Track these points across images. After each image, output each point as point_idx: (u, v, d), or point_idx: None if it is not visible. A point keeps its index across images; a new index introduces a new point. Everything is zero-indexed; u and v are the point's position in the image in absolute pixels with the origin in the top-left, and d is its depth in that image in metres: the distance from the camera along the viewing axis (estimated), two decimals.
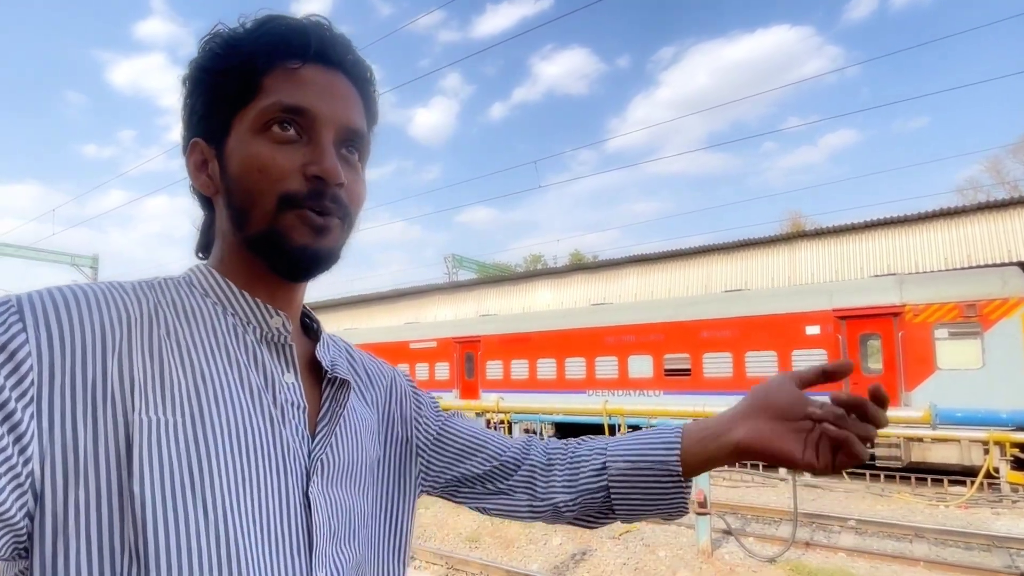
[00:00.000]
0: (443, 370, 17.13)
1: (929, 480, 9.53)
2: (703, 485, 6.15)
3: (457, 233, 78.51)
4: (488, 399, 12.76)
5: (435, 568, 6.19)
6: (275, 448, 0.56)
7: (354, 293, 27.28)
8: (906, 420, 6.24)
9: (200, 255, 0.69)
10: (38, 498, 0.46)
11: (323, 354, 0.67)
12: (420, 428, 0.79)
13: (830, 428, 0.63)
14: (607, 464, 0.73)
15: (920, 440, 9.53)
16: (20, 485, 0.45)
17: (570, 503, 0.75)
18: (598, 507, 0.75)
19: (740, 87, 62.91)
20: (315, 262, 0.61)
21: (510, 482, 0.79)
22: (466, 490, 0.80)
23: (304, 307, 0.71)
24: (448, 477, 0.79)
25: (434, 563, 6.27)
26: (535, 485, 0.77)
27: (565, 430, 14.27)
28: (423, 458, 0.78)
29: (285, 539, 0.55)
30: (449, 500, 0.82)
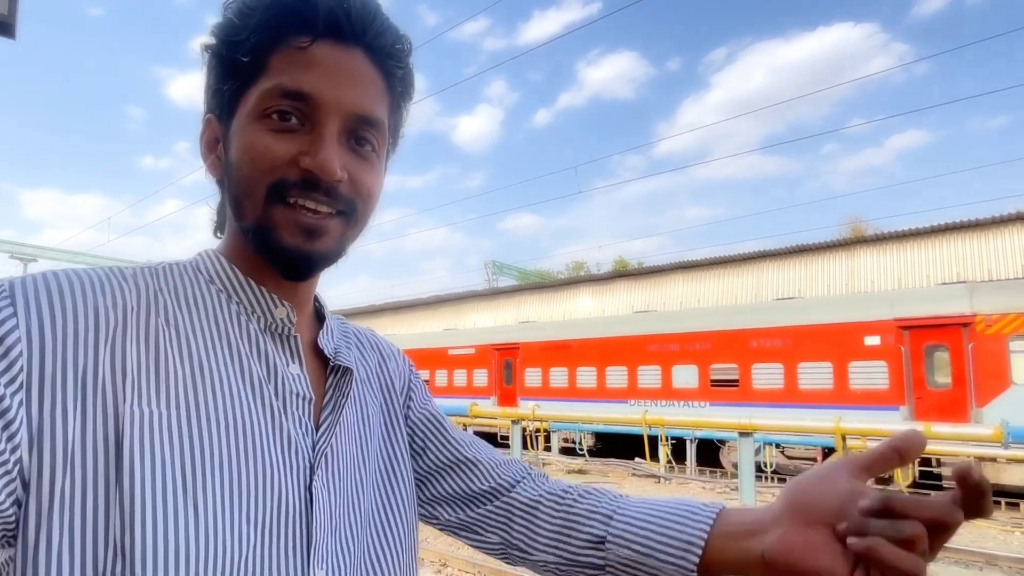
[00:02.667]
0: (481, 377, 17.11)
1: (1003, 504, 8.87)
2: (747, 500, 5.82)
3: (501, 240, 78.89)
4: (526, 407, 12.63)
5: None
6: (275, 443, 0.54)
7: (396, 299, 27.72)
8: (975, 438, 5.73)
9: (218, 235, 0.66)
10: (27, 487, 0.44)
11: (325, 341, 0.65)
12: (410, 419, 0.75)
13: (857, 545, 0.45)
14: (609, 539, 0.62)
15: (994, 460, 8.88)
16: (8, 472, 0.43)
17: (555, 568, 0.65)
18: None
19: (799, 88, 60.98)
20: (308, 264, 0.57)
21: (483, 511, 0.71)
22: (441, 510, 0.73)
23: (316, 294, 0.68)
24: (429, 494, 0.73)
25: (467, 571, 6.17)
26: (511, 527, 0.69)
27: (606, 440, 13.98)
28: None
29: (282, 537, 0.52)
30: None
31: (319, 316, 0.70)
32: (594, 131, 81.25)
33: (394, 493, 0.68)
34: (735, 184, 71.22)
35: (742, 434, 6.08)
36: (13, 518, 0.44)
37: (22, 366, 0.45)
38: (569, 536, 0.64)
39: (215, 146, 0.60)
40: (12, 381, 0.44)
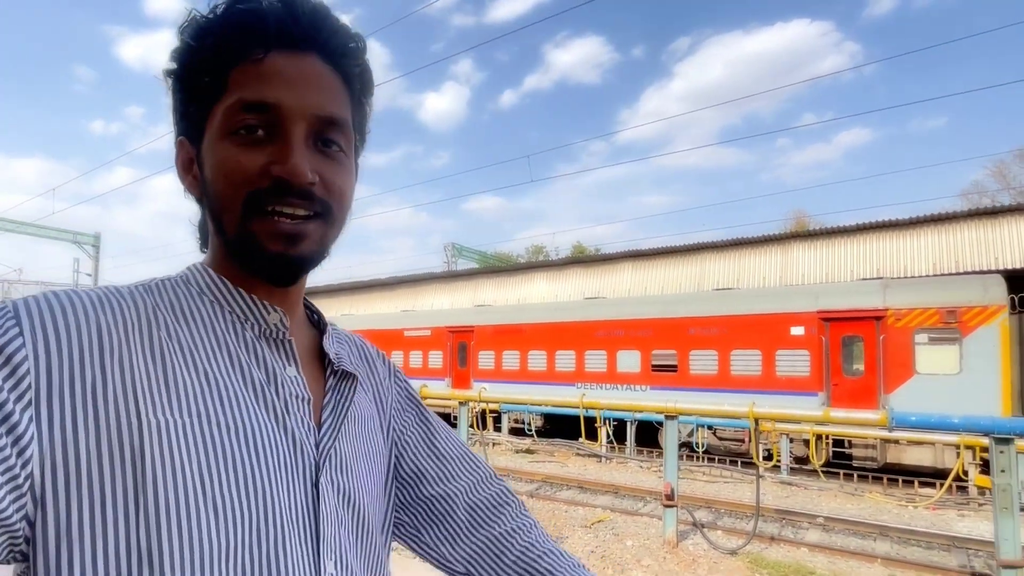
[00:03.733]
0: (436, 359, 17.32)
1: (900, 481, 9.73)
2: (670, 478, 6.34)
3: (464, 221, 78.72)
4: (476, 389, 12.98)
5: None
6: (282, 442, 0.56)
7: (353, 279, 27.48)
8: (865, 423, 6.40)
9: (203, 250, 0.67)
10: (37, 503, 0.45)
11: (329, 346, 0.67)
12: (402, 427, 0.79)
13: None
14: None
15: (896, 442, 9.70)
16: (18, 487, 0.44)
17: None
18: None
19: (756, 81, 62.40)
20: (292, 269, 0.60)
21: (458, 540, 0.75)
22: (420, 518, 0.75)
23: (304, 299, 0.71)
24: (423, 494, 0.75)
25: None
26: (477, 565, 0.74)
27: (554, 421, 14.50)
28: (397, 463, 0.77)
29: (293, 532, 0.55)
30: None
31: (311, 322, 0.72)
32: (559, 115, 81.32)
33: (380, 491, 0.70)
34: (695, 173, 72.58)
35: (668, 417, 6.56)
36: (20, 534, 0.45)
37: (30, 383, 0.45)
38: None
39: (191, 167, 0.61)
40: (21, 397, 0.45)
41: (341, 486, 0.61)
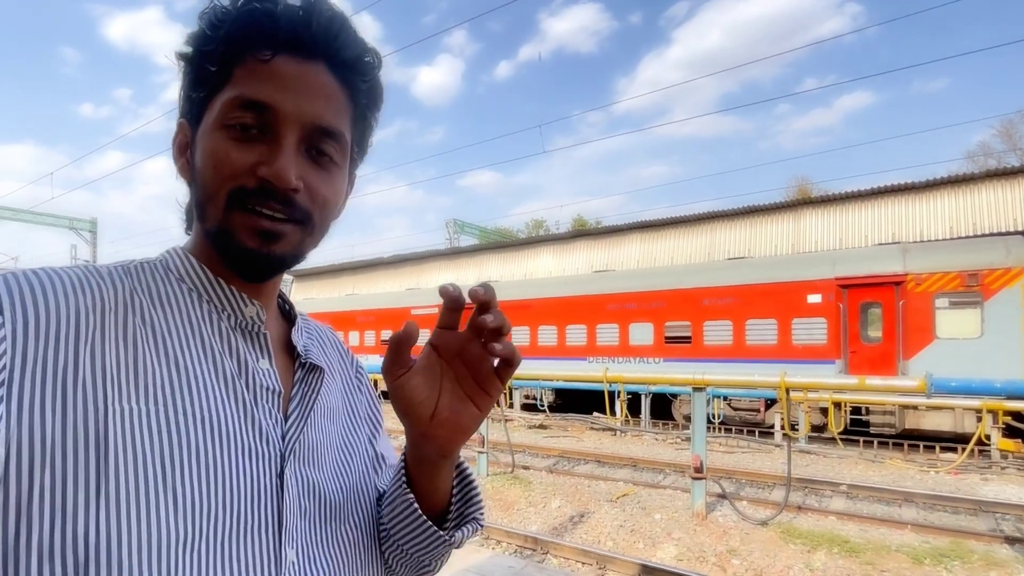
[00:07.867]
0: None
1: (921, 447, 9.78)
2: (699, 450, 6.29)
3: (460, 197, 78.14)
4: None
5: None
6: (248, 433, 0.57)
7: (356, 259, 27.30)
8: (903, 389, 6.35)
9: (189, 232, 0.68)
10: (1, 480, 0.45)
11: (297, 339, 0.68)
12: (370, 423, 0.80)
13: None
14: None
15: (915, 408, 9.71)
16: None
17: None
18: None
19: (755, 46, 61.10)
20: (265, 267, 0.60)
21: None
22: None
23: (280, 292, 0.72)
24: None
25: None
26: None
27: (565, 396, 14.52)
28: None
29: (254, 521, 0.55)
30: None
31: (283, 312, 0.73)
32: (556, 85, 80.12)
33: (356, 481, 0.70)
34: (692, 141, 71.78)
35: (696, 389, 6.47)
36: None
37: (5, 364, 0.46)
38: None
39: (185, 150, 0.62)
40: None
41: (307, 477, 0.62)
